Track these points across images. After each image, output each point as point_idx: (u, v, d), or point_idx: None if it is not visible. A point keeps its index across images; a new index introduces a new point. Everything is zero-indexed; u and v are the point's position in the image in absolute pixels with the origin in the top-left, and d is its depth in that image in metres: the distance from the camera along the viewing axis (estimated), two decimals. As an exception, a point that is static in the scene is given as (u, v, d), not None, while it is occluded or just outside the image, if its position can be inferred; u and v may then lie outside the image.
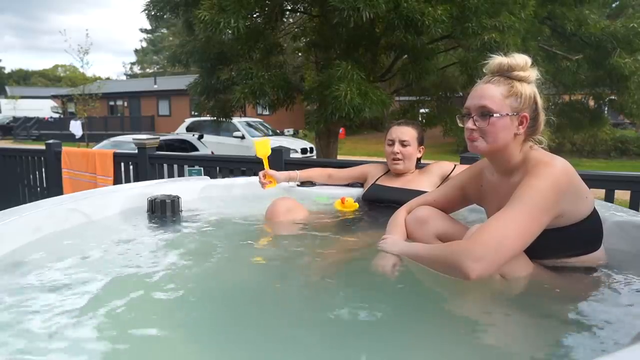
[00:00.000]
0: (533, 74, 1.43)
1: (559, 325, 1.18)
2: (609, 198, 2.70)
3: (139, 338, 1.07)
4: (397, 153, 2.27)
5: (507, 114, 1.39)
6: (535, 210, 1.26)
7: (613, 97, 8.55)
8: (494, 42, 5.22)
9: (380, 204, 2.28)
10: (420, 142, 2.33)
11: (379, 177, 2.39)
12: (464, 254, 1.22)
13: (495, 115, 1.39)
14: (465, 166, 2.42)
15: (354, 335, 1.11)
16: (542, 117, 1.44)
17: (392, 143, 2.30)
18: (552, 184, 1.29)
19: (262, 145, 2.46)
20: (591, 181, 2.08)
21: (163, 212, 2.06)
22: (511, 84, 1.41)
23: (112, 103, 28.26)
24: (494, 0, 5.42)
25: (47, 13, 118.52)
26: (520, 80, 1.41)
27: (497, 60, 1.43)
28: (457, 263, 1.22)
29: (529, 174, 1.33)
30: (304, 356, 1.03)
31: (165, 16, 7.06)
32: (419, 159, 2.38)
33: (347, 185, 2.59)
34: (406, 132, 2.30)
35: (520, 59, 1.42)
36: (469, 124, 1.44)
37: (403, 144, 2.27)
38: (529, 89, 1.41)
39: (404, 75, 6.80)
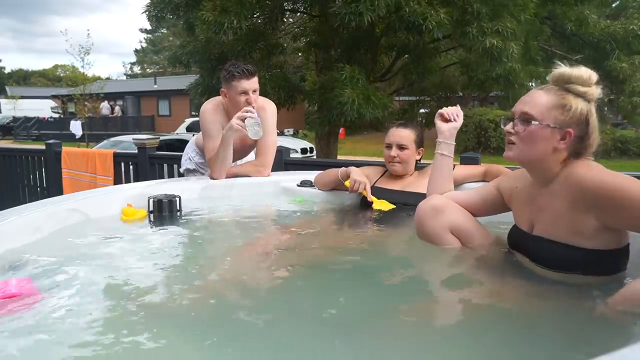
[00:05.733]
0: (594, 91, 1.33)
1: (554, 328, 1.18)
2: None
3: (138, 337, 1.07)
4: (395, 157, 2.23)
5: (549, 125, 1.31)
6: None
7: (612, 97, 8.55)
8: (496, 48, 5.22)
9: None
10: (420, 144, 2.28)
11: (377, 179, 2.33)
12: None
13: (534, 123, 1.32)
14: (464, 166, 2.42)
15: (358, 334, 1.11)
16: (594, 139, 1.34)
17: (390, 146, 2.25)
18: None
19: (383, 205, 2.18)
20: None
21: (163, 211, 2.06)
22: (563, 96, 1.32)
23: (112, 103, 28.24)
24: (494, 2, 5.42)
25: (43, 16, 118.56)
26: (577, 94, 1.33)
27: (559, 70, 1.35)
28: None
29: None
30: (301, 354, 1.03)
31: (165, 17, 7.09)
32: (418, 161, 2.35)
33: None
34: (404, 136, 2.24)
35: (585, 73, 1.33)
36: (508, 127, 1.38)
37: (401, 147, 2.23)
38: (583, 106, 1.32)
39: (406, 75, 6.81)
